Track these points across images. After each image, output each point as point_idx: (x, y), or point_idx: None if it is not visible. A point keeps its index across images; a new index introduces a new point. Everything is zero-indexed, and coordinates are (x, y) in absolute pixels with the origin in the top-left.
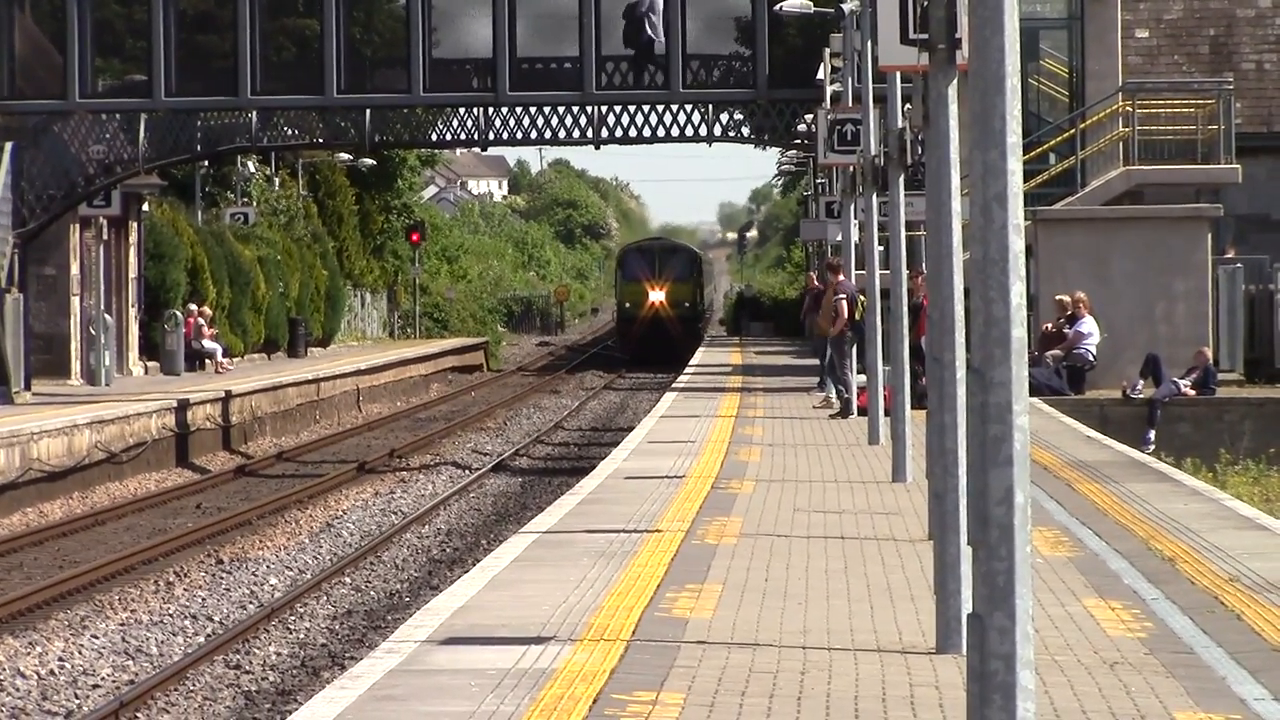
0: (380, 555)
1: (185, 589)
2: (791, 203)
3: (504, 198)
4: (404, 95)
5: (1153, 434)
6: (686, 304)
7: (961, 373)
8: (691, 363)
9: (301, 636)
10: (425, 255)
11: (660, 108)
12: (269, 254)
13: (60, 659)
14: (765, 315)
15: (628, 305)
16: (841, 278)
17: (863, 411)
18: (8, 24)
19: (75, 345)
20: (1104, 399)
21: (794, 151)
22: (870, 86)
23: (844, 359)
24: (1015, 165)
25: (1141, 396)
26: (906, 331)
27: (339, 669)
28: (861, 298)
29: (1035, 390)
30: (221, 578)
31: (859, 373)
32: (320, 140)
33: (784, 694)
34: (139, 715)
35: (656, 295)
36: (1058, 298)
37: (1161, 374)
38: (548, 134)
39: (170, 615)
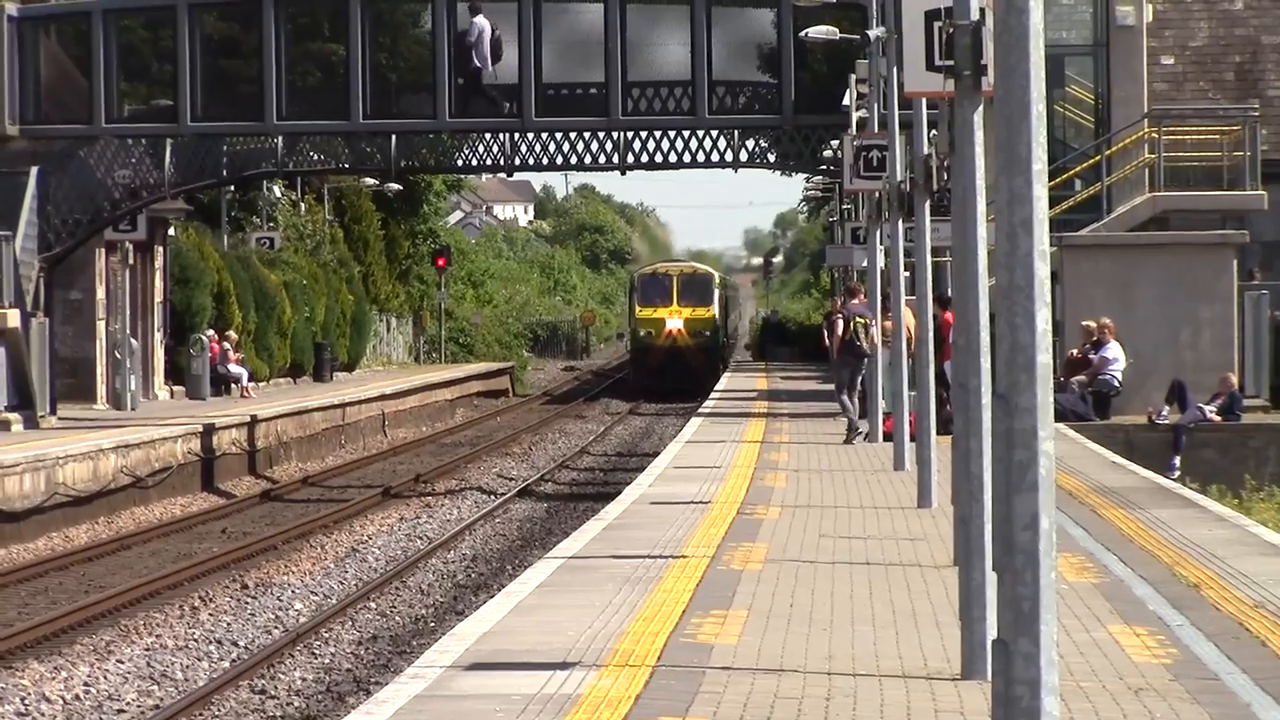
0: (406, 580)
1: (210, 614)
2: (818, 228)
3: (530, 223)
4: (430, 120)
5: (1178, 460)
6: (707, 332)
7: (987, 398)
8: (717, 388)
9: (327, 662)
10: (451, 280)
11: (686, 133)
12: (295, 279)
13: (85, 684)
14: (791, 340)
15: (643, 334)
16: (854, 301)
17: (888, 437)
18: (34, 49)
19: (101, 370)
20: (1129, 425)
21: (820, 177)
22: (896, 112)
23: (840, 384)
24: (1041, 191)
25: (1167, 422)
26: (932, 356)
27: (364, 694)
28: (859, 319)
29: (1060, 416)
30: (247, 603)
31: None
32: (346, 165)
33: None
34: None
35: (674, 323)
36: (1084, 323)
37: (1187, 400)
38: (573, 159)
39: (195, 640)
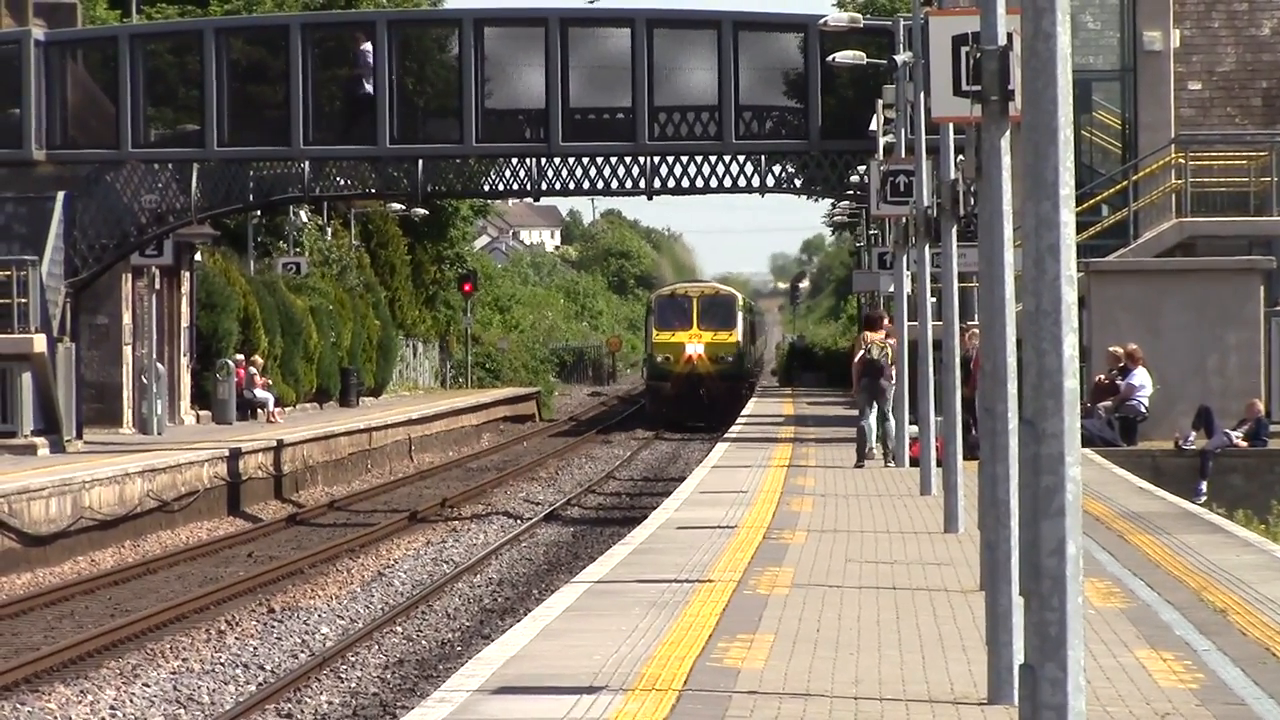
0: (432, 604)
1: (237, 638)
2: (844, 253)
3: (556, 248)
4: (456, 145)
5: (1205, 485)
6: (729, 358)
7: (1014, 424)
8: (743, 413)
9: (353, 685)
10: (477, 305)
11: (712, 158)
12: (321, 304)
13: (112, 707)
14: (817, 366)
15: (660, 360)
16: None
17: (914, 462)
18: (60, 74)
19: (127, 394)
20: (1156, 450)
21: (846, 202)
22: (923, 138)
23: (862, 408)
24: (1068, 216)
25: (1194, 448)
26: (959, 384)
27: (390, 718)
28: (877, 341)
29: (1087, 441)
30: (273, 626)
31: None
32: (372, 190)
33: None
34: None
35: (694, 348)
36: (1110, 349)
37: (1214, 425)
38: (600, 184)
39: (222, 664)
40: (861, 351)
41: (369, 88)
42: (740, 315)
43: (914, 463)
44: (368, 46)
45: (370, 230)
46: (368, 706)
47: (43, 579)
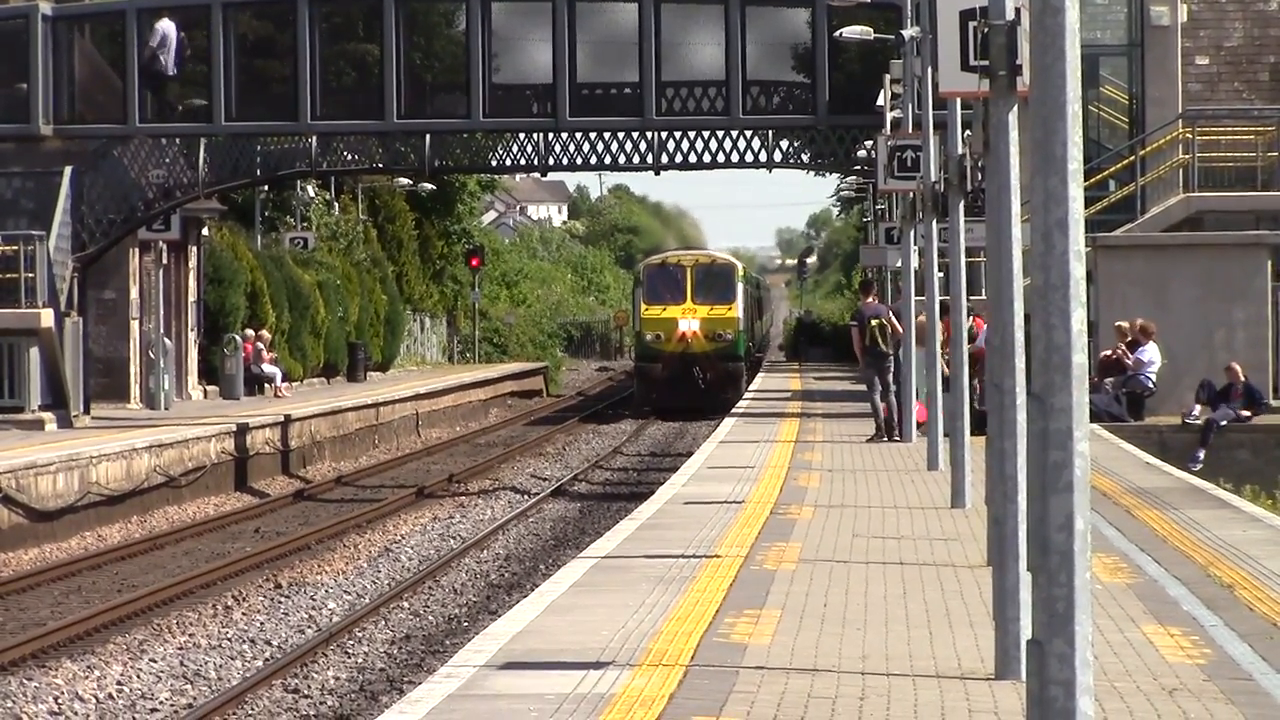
0: (439, 580)
1: (243, 613)
2: (850, 228)
3: (564, 223)
4: (464, 120)
5: (1202, 454)
6: (728, 335)
7: (1022, 399)
8: (750, 388)
9: (360, 661)
10: (485, 280)
11: (720, 133)
12: (328, 278)
13: (119, 683)
14: (824, 341)
15: (649, 338)
16: (868, 300)
17: (919, 428)
18: (68, 49)
19: (134, 369)
20: (1163, 425)
21: (853, 177)
22: (930, 113)
23: (870, 385)
24: (1076, 191)
25: (1198, 423)
26: (967, 361)
27: (397, 694)
28: (873, 320)
29: (1095, 416)
30: (280, 602)
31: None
32: (380, 165)
33: None
34: None
35: (688, 324)
36: (1117, 324)
37: (1217, 399)
38: (607, 159)
39: (228, 639)
40: (855, 326)
41: (166, 65)
42: (740, 287)
43: (920, 429)
44: (165, 23)
45: (377, 205)
46: (375, 682)
47: (50, 554)
